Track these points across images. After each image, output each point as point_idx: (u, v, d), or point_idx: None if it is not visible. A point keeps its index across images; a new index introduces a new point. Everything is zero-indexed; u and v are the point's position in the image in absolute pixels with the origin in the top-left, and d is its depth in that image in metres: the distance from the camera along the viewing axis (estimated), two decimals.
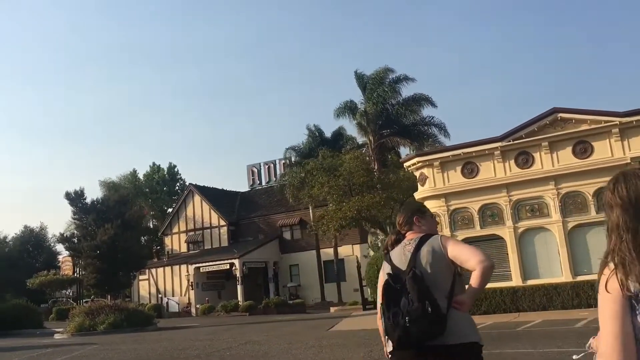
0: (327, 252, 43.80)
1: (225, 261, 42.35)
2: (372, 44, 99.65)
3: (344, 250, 43.71)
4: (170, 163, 61.86)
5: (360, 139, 38.69)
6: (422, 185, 19.90)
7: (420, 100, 35.56)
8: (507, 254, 18.11)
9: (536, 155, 18.21)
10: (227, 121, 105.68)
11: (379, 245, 34.85)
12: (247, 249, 43.62)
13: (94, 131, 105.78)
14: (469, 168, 19.05)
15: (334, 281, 42.96)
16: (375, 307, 28.11)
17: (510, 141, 18.35)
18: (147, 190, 56.90)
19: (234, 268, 41.81)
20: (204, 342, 17.62)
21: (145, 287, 46.82)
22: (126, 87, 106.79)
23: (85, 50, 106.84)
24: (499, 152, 18.51)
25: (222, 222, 48.14)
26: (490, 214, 18.68)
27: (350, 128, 40.61)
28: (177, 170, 61.70)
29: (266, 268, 45.20)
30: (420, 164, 19.70)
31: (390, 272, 3.40)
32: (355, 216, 22.86)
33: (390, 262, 3.50)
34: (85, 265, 29.13)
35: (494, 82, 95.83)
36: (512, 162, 18.50)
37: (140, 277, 46.76)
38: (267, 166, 51.34)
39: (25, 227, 60.84)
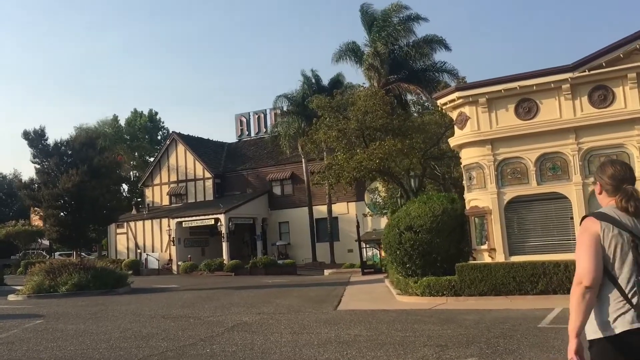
0: (320, 210, 39.29)
1: (210, 216, 37.65)
2: None
3: (338, 208, 39.24)
4: (151, 110, 56.19)
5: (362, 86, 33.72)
6: (462, 128, 15.14)
7: (432, 42, 30.51)
8: (572, 219, 13.58)
9: (618, 91, 13.50)
10: (214, 70, 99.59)
11: (381, 202, 30.30)
12: (233, 204, 38.90)
13: (77, 78, 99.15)
14: (526, 106, 14.30)
15: (327, 241, 38.61)
16: (377, 272, 23.79)
17: (585, 71, 13.58)
18: (127, 137, 51.33)
19: (219, 224, 37.15)
20: (178, 321, 13.02)
21: (123, 241, 42.07)
22: (112, 34, 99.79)
23: None
24: (568, 85, 13.74)
25: (208, 175, 43.22)
26: (551, 166, 14.06)
27: (350, 74, 35.59)
28: (159, 118, 56.05)
29: (254, 225, 40.61)
30: (460, 101, 14.88)
31: None
32: (376, 167, 17.99)
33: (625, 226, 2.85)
34: (46, 217, 24.16)
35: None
36: (585, 99, 13.76)
37: (118, 231, 42.00)
38: (256, 116, 46.19)
39: None
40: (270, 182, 42.22)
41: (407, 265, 15.29)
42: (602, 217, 2.89)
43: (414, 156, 18.58)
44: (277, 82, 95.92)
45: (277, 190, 42.28)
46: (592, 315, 2.80)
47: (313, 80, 38.53)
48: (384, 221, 35.67)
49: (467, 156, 15.11)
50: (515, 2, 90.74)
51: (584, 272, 2.78)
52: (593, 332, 2.81)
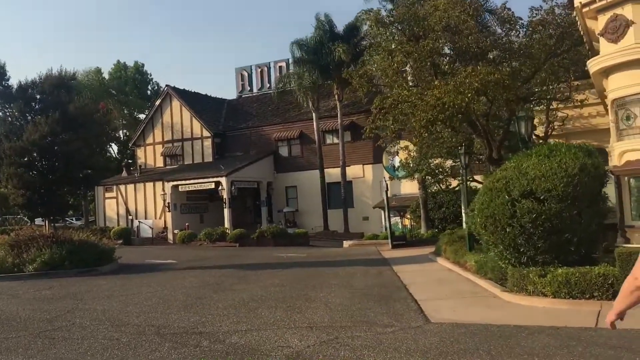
0: (331, 173, 33.77)
1: (210, 179, 31.98)
2: None
3: (353, 171, 33.74)
4: (136, 62, 49.46)
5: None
6: (616, 40, 9.44)
7: None
8: None
9: None
10: (210, 23, 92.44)
11: (409, 164, 24.62)
12: (236, 166, 33.21)
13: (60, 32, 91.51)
14: None
15: (339, 207, 33.17)
16: (409, 245, 17.41)
17: None
18: (114, 92, 44.76)
19: (220, 188, 31.51)
20: (181, 347, 7.43)
21: (112, 206, 36.21)
22: None
23: None
24: None
25: (206, 133, 37.30)
26: None
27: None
28: (146, 71, 49.44)
29: (258, 189, 35.04)
30: None
31: None
32: (467, 104, 12.00)
33: None
34: (7, 177, 18.30)
35: None
36: None
37: (107, 195, 36.10)
38: (259, 69, 40.08)
39: None
40: (276, 142, 36.46)
41: (521, 250, 9.81)
42: None
43: (512, 91, 12.73)
44: (279, 38, 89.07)
45: (283, 151, 36.56)
46: None
47: (327, 27, 32.52)
48: (407, 185, 30.19)
49: (623, 84, 9.48)
50: None
51: None
52: None
